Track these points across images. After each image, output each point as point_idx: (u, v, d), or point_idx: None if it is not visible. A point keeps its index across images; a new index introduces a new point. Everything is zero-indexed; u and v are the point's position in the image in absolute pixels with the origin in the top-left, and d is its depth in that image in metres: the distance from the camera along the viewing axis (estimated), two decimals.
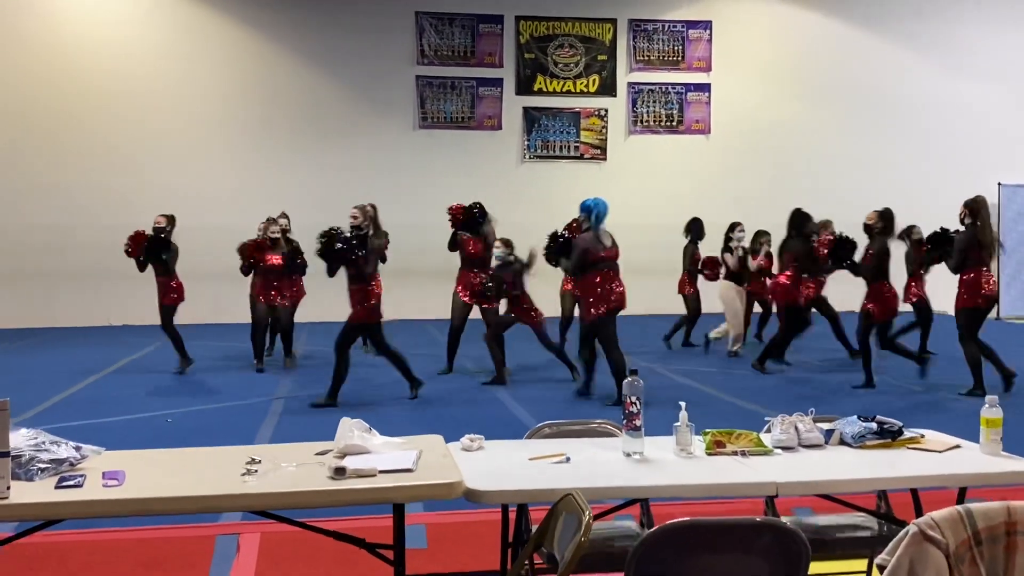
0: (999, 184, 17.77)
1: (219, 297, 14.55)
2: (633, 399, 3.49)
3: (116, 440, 6.97)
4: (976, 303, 8.68)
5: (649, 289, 14.30)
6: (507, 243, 9.95)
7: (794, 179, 17.80)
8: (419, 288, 15.31)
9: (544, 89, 17.44)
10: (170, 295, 10.25)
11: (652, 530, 2.52)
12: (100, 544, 4.68)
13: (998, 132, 18.23)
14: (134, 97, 16.13)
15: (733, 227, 12.32)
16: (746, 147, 17.73)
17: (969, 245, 8.68)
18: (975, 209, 8.72)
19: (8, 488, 2.87)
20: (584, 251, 8.51)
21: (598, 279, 8.44)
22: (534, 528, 3.66)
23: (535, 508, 3.53)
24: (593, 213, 8.75)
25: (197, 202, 15.26)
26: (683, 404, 3.58)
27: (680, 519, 2.47)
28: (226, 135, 16.47)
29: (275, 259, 10.73)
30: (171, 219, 10.40)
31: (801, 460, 3.48)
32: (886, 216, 9.49)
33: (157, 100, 16.20)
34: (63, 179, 15.85)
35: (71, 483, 3.05)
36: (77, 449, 3.30)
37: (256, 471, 3.18)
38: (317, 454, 3.45)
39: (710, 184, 17.46)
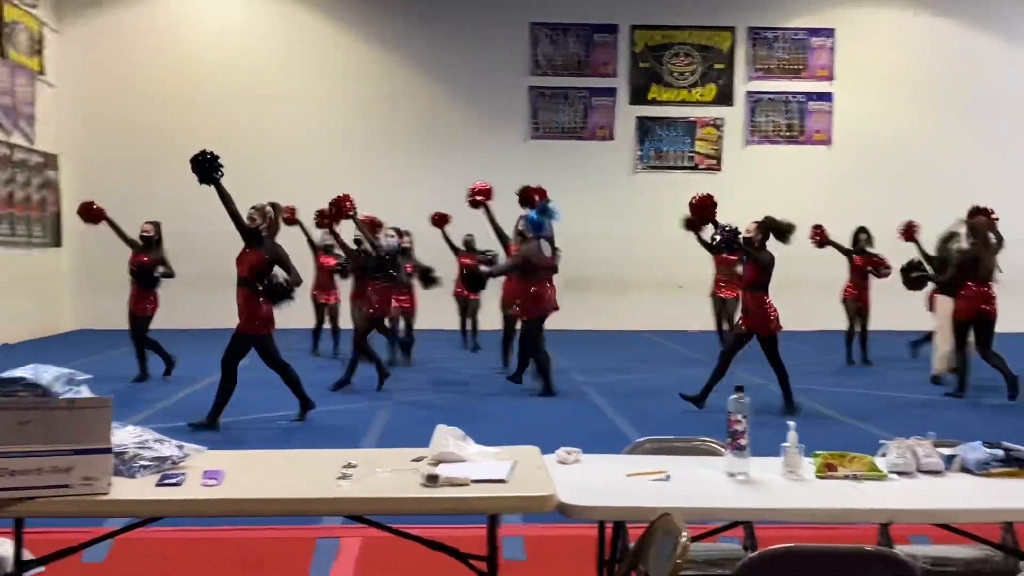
0: None
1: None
2: (738, 417, 3.34)
3: (231, 440, 7.19)
4: (969, 315, 9.25)
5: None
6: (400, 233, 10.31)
7: (919, 191, 17.08)
8: None
9: (658, 99, 17.24)
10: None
11: (753, 555, 2.39)
12: (201, 542, 4.77)
13: None
14: (256, 109, 16.65)
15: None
16: (869, 158, 17.13)
17: (965, 263, 9.32)
18: (978, 228, 9.42)
19: (109, 484, 2.93)
20: (527, 259, 9.25)
21: (534, 287, 9.20)
22: (631, 546, 3.57)
23: (633, 525, 3.42)
24: (535, 225, 9.52)
25: (311, 210, 15.59)
26: (792, 424, 3.41)
27: (783, 545, 2.33)
28: (344, 146, 16.83)
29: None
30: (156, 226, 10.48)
31: (919, 487, 3.26)
32: (764, 227, 8.99)
33: (278, 112, 16.69)
34: (188, 187, 16.40)
35: (171, 481, 3.09)
36: (180, 448, 3.35)
37: (351, 475, 3.17)
38: (413, 460, 3.42)
39: (831, 196, 16.92)
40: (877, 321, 12.68)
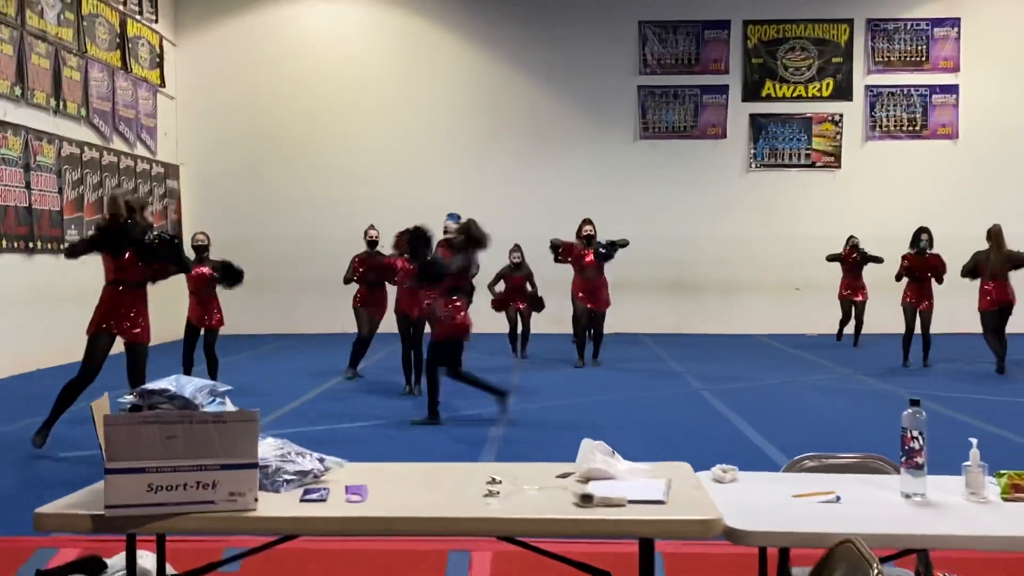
0: None
1: None
2: (915, 433, 3.07)
3: (347, 449, 7.16)
4: (983, 307, 11.15)
5: (891, 306, 13.35)
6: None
7: None
8: (641, 300, 15.03)
9: (772, 95, 16.75)
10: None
11: None
12: (334, 553, 4.70)
13: None
14: (365, 114, 16.82)
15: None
16: (999, 152, 16.29)
17: (977, 263, 11.15)
18: (990, 235, 11.31)
19: (256, 500, 2.84)
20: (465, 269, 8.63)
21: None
22: (793, 571, 3.33)
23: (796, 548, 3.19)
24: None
25: (426, 213, 15.64)
26: (974, 441, 3.11)
27: None
28: (453, 148, 16.86)
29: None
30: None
31: None
32: (464, 230, 8.58)
33: (387, 115, 16.83)
34: (303, 194, 16.75)
35: (315, 497, 3.00)
36: (321, 461, 3.26)
37: (498, 493, 3.02)
38: (558, 476, 3.25)
39: (957, 192, 16.20)
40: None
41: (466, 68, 16.86)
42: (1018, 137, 16.23)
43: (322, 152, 16.87)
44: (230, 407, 3.21)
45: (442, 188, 16.64)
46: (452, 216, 10.66)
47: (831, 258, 14.18)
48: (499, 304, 12.77)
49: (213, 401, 3.22)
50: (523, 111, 16.84)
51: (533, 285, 12.65)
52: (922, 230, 12.05)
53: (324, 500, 2.97)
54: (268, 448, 3.22)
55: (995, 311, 11.11)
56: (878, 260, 13.72)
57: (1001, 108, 16.30)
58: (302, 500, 2.97)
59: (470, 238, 8.46)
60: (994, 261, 11.11)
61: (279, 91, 16.83)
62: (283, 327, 16.11)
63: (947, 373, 11.55)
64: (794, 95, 16.74)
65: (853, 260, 14.09)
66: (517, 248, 12.69)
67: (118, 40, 14.57)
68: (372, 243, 11.22)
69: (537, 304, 12.62)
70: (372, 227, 11.36)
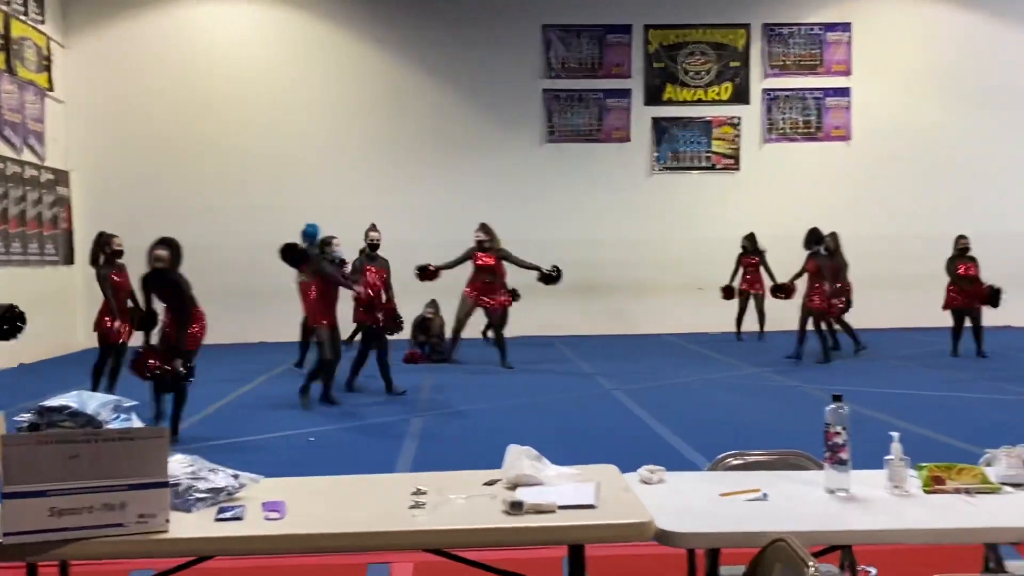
0: None
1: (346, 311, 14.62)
2: (838, 429, 3.09)
3: (258, 460, 6.94)
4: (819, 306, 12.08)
5: (784, 304, 13.73)
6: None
7: (941, 188, 16.89)
8: (550, 303, 15.03)
9: (674, 99, 16.99)
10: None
11: None
12: (248, 571, 4.52)
13: None
14: (266, 118, 16.45)
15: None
16: (890, 154, 16.86)
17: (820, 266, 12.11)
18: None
19: (167, 521, 2.69)
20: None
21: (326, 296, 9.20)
22: (722, 570, 3.32)
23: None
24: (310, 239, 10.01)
25: (329, 218, 15.38)
26: (896, 435, 3.15)
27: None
28: (356, 152, 16.61)
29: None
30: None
31: None
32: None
33: (287, 119, 16.48)
34: (202, 200, 16.26)
35: (231, 515, 2.86)
36: (235, 477, 3.12)
37: (424, 504, 2.93)
38: (485, 484, 3.18)
39: (851, 193, 16.71)
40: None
41: (368, 70, 16.64)
42: (907, 138, 16.83)
43: (222, 157, 16.42)
44: (137, 423, 3.05)
45: (345, 192, 16.38)
46: (311, 226, 10.60)
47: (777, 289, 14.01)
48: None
49: (118, 417, 3.05)
50: (428, 114, 16.71)
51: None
52: (827, 234, 12.59)
53: (241, 518, 2.84)
54: (178, 465, 3.05)
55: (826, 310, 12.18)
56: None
57: (891, 110, 16.88)
58: (217, 519, 2.83)
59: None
60: (833, 265, 12.32)
61: (176, 94, 16.31)
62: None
63: (848, 368, 11.87)
64: (694, 99, 17.02)
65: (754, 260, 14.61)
66: (433, 303, 13.22)
67: (1, 41, 13.91)
68: (374, 246, 10.54)
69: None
70: (373, 227, 10.68)
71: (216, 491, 3.01)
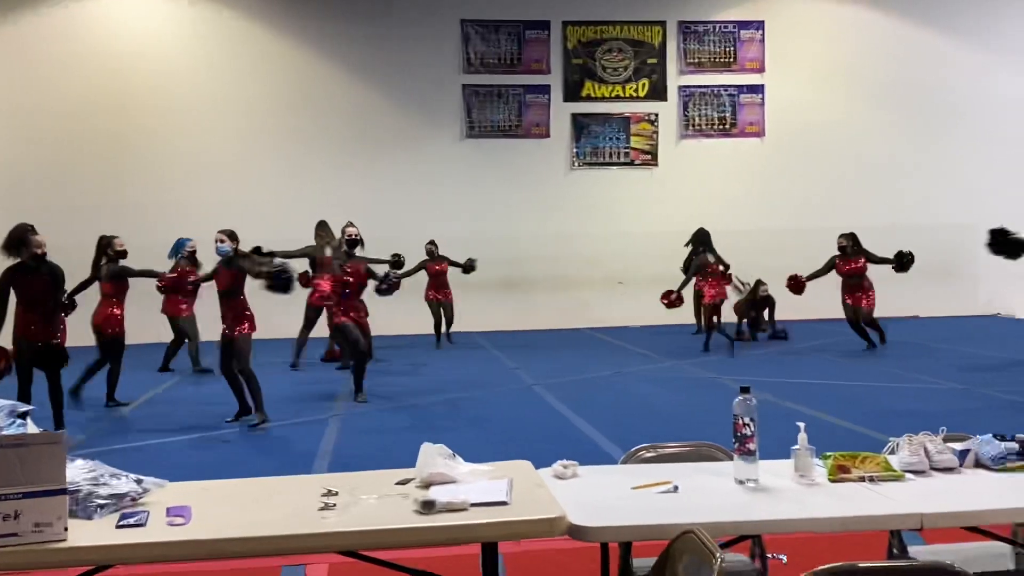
0: None
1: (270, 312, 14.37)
2: (746, 420, 3.14)
3: (168, 465, 6.78)
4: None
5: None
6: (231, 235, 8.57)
7: (854, 182, 17.33)
8: (473, 298, 15.01)
9: (592, 95, 17.11)
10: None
11: (814, 573, 2.17)
12: None
13: None
14: (181, 113, 16.06)
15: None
16: (802, 149, 17.24)
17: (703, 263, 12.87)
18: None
19: (66, 529, 2.59)
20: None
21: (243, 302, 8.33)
22: (635, 562, 3.34)
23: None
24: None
25: (245, 216, 15.12)
26: (802, 425, 3.22)
27: (843, 564, 2.12)
28: (274, 148, 16.33)
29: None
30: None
31: (939, 486, 3.10)
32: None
33: (203, 115, 16.12)
34: (118, 198, 15.80)
35: (133, 521, 2.77)
36: (138, 482, 3.02)
37: (334, 505, 2.88)
38: (398, 483, 3.14)
39: (766, 188, 17.03)
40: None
41: (285, 65, 16.36)
42: (817, 134, 17.23)
43: (136, 154, 15.98)
44: (33, 428, 2.94)
45: (263, 189, 16.12)
46: (183, 241, 11.24)
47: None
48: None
49: (13, 423, 2.94)
50: (346, 109, 16.51)
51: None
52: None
53: (143, 525, 2.75)
54: (78, 471, 2.95)
55: (718, 303, 12.95)
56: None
57: (802, 107, 17.25)
58: (118, 526, 2.74)
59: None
60: (715, 261, 13.09)
61: (87, 90, 15.80)
62: (87, 339, 15.11)
63: (762, 359, 12.11)
64: (612, 95, 17.16)
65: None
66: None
67: None
68: (352, 243, 9.79)
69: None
70: (350, 224, 9.99)
71: (118, 497, 2.92)
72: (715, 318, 12.95)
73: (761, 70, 17.37)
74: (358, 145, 16.48)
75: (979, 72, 17.48)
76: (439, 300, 14.07)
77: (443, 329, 14.17)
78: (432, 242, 14.07)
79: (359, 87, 16.54)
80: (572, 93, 17.07)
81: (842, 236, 12.70)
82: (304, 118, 16.38)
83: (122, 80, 15.92)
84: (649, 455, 3.55)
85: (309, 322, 11.90)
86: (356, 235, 9.80)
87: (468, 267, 13.87)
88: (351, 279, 9.41)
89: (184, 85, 16.09)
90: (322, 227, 11.93)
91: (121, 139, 15.96)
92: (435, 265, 13.96)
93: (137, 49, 15.98)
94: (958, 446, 3.34)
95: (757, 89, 17.37)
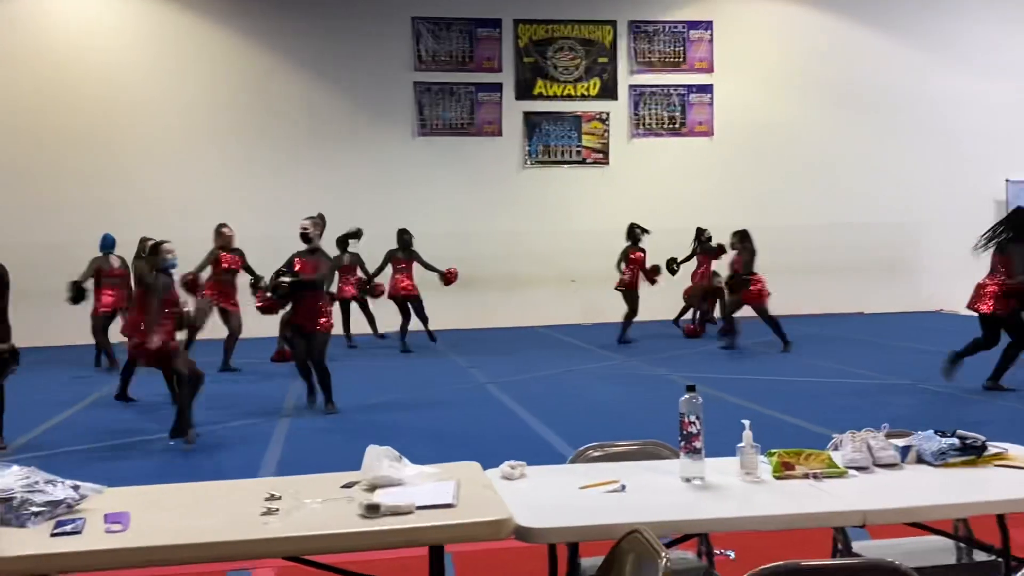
0: (1007, 180, 17.55)
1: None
2: (692, 418, 3.15)
3: (108, 470, 6.65)
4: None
5: (654, 293, 14.08)
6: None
7: (801, 180, 17.55)
8: (424, 297, 14.92)
9: (544, 93, 17.12)
10: None
11: (754, 573, 2.18)
12: None
13: (1006, 129, 17.92)
14: (126, 110, 15.78)
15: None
16: (751, 149, 17.43)
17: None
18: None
19: None
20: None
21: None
22: (583, 562, 3.34)
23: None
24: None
25: (192, 213, 14.93)
26: (747, 423, 3.23)
27: (785, 562, 2.13)
28: (221, 145, 16.10)
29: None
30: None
31: (881, 482, 3.14)
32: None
33: (150, 111, 15.85)
34: (63, 196, 15.49)
35: (69, 529, 2.70)
36: (75, 488, 2.95)
37: (277, 510, 2.84)
38: (343, 487, 3.10)
39: (715, 187, 17.18)
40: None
41: (233, 61, 16.14)
42: (765, 134, 17.42)
43: (83, 151, 15.65)
44: None
45: (210, 187, 15.89)
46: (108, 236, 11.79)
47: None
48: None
49: None
50: (296, 106, 16.34)
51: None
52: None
53: (79, 532, 2.69)
54: (12, 478, 2.88)
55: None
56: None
57: (750, 107, 17.43)
58: (53, 534, 2.67)
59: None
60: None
61: (31, 86, 15.43)
62: (41, 339, 14.78)
63: (712, 356, 12.21)
64: (564, 94, 17.19)
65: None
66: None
67: None
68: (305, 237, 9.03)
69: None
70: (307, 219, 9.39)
71: (54, 504, 2.85)
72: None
73: (710, 70, 17.51)
74: (308, 142, 16.33)
75: (917, 71, 17.82)
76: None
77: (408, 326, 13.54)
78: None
79: (309, 84, 16.38)
80: (524, 91, 17.07)
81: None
82: (253, 115, 16.18)
83: (66, 75, 15.59)
84: (597, 454, 3.55)
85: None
86: (306, 229, 9.14)
87: (351, 234, 13.06)
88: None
89: (130, 80, 15.81)
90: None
91: (67, 137, 15.63)
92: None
93: (83, 43, 15.66)
94: (900, 442, 3.39)
95: (706, 89, 17.51)
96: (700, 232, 14.32)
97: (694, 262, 14.25)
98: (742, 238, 12.69)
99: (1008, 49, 18.01)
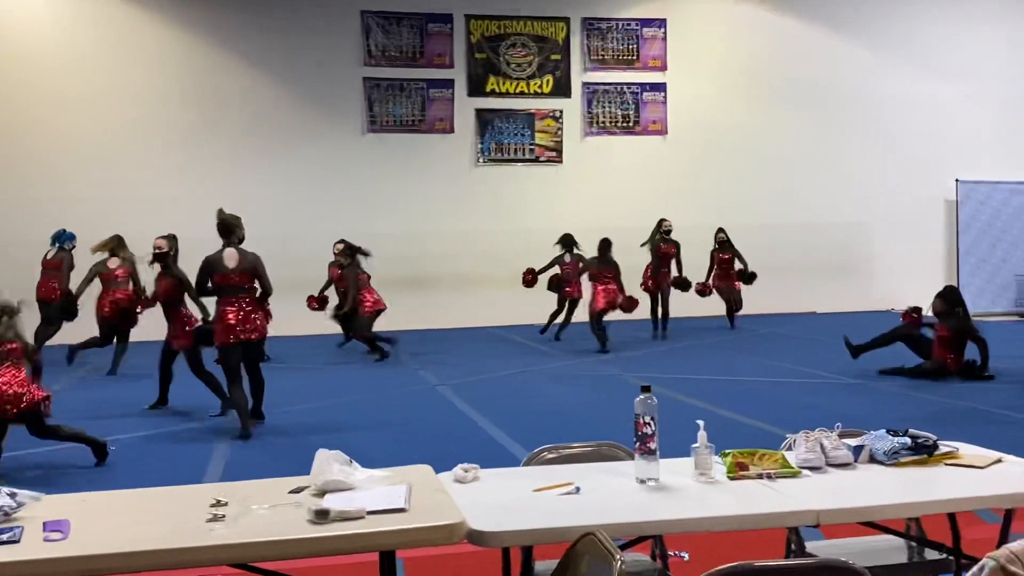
0: (956, 180, 17.87)
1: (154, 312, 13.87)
2: (647, 419, 3.13)
3: (52, 476, 6.48)
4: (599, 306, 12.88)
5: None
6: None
7: (753, 179, 17.70)
8: None
9: (497, 90, 17.07)
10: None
11: (710, 574, 2.16)
12: None
13: (956, 129, 18.24)
14: (68, 104, 15.43)
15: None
16: (704, 147, 17.54)
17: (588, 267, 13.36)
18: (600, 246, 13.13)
19: None
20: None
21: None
22: (537, 565, 3.30)
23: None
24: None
25: (134, 212, 14.61)
26: (701, 423, 3.22)
27: (739, 563, 2.11)
28: (166, 141, 15.81)
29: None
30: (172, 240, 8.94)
31: (834, 482, 3.14)
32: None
33: (91, 106, 15.52)
34: (3, 191, 15.11)
35: (5, 538, 2.60)
36: (12, 496, 2.85)
37: (223, 516, 2.76)
38: (291, 492, 3.03)
39: (668, 185, 17.25)
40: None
41: (178, 55, 15.85)
42: (719, 132, 17.55)
43: (22, 147, 15.26)
44: None
45: (155, 184, 15.58)
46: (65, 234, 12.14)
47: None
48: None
49: None
50: (243, 102, 16.09)
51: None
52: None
53: (16, 541, 2.59)
54: None
55: (607, 309, 12.68)
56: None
57: (703, 105, 17.54)
58: None
59: None
60: (599, 265, 12.96)
61: None
62: None
63: (665, 356, 12.27)
64: (517, 91, 17.15)
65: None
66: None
67: None
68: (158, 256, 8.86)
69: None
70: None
71: None
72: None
73: (664, 68, 17.60)
74: (256, 139, 16.09)
75: (868, 71, 18.08)
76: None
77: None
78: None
79: (256, 79, 16.15)
80: (476, 88, 17.00)
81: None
82: (199, 110, 15.91)
83: (5, 67, 15.20)
84: (551, 456, 3.51)
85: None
86: (160, 247, 8.88)
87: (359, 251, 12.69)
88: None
89: (70, 75, 15.45)
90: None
91: (5, 132, 15.24)
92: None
93: (20, 37, 15.29)
94: (853, 442, 3.40)
95: (660, 87, 17.59)
96: (660, 223, 14.45)
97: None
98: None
99: (958, 49, 18.34)
